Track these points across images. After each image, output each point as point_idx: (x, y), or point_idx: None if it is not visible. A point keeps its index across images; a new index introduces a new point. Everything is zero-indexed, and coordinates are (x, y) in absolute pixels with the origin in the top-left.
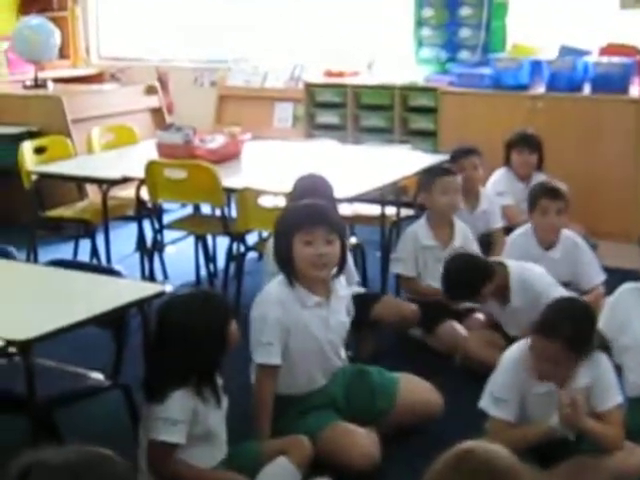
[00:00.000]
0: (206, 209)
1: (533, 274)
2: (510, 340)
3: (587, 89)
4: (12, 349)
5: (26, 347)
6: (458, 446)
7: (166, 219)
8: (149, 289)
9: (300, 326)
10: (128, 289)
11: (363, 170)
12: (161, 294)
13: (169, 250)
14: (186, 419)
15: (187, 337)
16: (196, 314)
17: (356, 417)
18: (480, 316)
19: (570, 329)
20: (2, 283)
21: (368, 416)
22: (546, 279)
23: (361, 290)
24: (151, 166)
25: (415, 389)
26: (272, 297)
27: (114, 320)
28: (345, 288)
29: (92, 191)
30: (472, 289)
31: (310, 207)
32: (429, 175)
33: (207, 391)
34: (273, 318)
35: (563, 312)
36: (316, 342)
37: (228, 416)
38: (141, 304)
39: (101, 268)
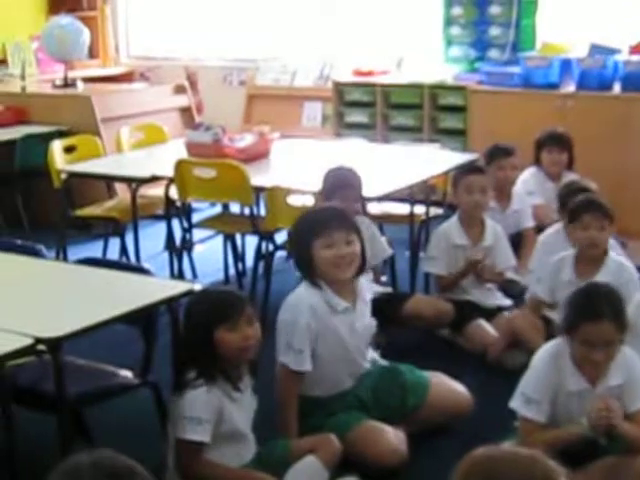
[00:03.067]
0: (235, 208)
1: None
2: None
3: (617, 88)
4: (41, 347)
5: (55, 345)
6: (485, 449)
7: (195, 218)
8: (178, 287)
9: (329, 332)
10: (157, 287)
11: (392, 169)
12: (190, 292)
13: (198, 249)
14: (211, 418)
15: (184, 334)
16: (188, 311)
17: (386, 415)
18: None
19: (611, 305)
20: (31, 281)
21: (399, 413)
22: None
23: (389, 289)
24: (180, 165)
25: (445, 387)
26: (304, 302)
27: (143, 318)
28: (370, 291)
29: (121, 190)
30: None
31: (326, 212)
32: (458, 173)
33: (228, 389)
34: (304, 324)
35: (596, 295)
36: (343, 347)
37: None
38: (170, 302)
39: (130, 266)
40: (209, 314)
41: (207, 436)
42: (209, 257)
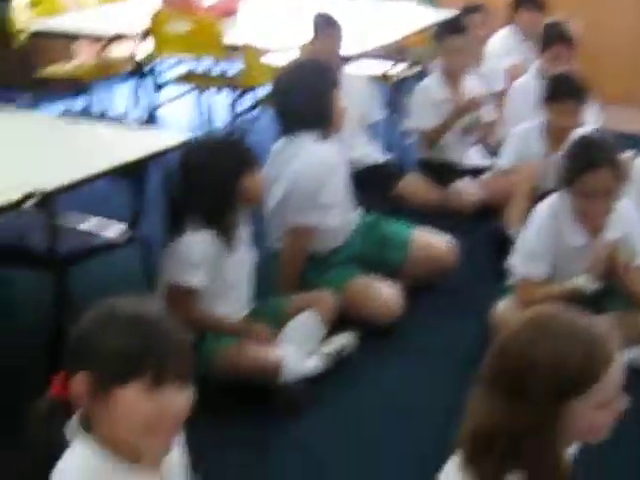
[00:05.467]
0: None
1: None
2: None
3: None
4: (30, 202)
5: (48, 199)
6: (539, 310)
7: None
8: (173, 139)
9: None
10: (151, 139)
11: (368, 27)
12: (187, 143)
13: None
14: (206, 264)
15: (198, 179)
16: (209, 157)
17: (372, 271)
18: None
19: (608, 154)
20: (21, 135)
21: (382, 268)
22: None
23: (380, 160)
24: (157, 17)
25: (429, 242)
26: (328, 160)
27: (135, 171)
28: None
29: (83, 50)
30: None
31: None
32: (438, 33)
33: (225, 240)
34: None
35: (593, 144)
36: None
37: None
38: (165, 153)
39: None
40: (237, 161)
41: (202, 281)
42: (176, 118)
